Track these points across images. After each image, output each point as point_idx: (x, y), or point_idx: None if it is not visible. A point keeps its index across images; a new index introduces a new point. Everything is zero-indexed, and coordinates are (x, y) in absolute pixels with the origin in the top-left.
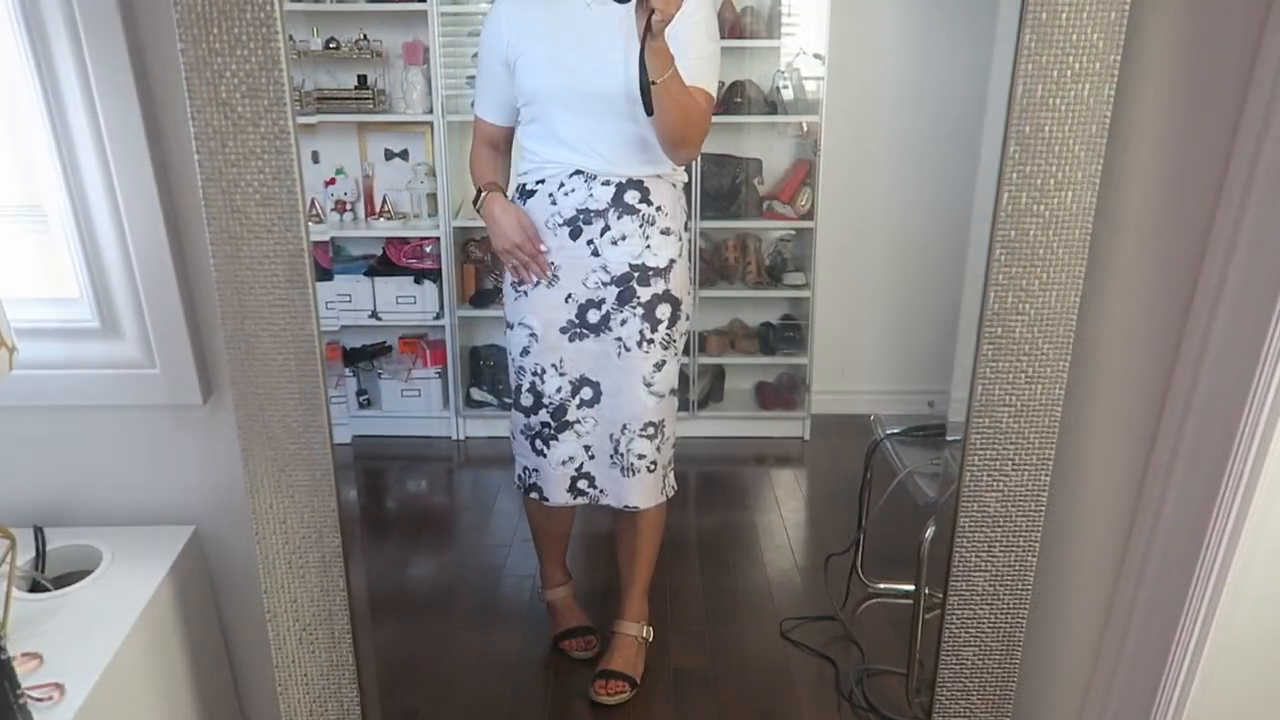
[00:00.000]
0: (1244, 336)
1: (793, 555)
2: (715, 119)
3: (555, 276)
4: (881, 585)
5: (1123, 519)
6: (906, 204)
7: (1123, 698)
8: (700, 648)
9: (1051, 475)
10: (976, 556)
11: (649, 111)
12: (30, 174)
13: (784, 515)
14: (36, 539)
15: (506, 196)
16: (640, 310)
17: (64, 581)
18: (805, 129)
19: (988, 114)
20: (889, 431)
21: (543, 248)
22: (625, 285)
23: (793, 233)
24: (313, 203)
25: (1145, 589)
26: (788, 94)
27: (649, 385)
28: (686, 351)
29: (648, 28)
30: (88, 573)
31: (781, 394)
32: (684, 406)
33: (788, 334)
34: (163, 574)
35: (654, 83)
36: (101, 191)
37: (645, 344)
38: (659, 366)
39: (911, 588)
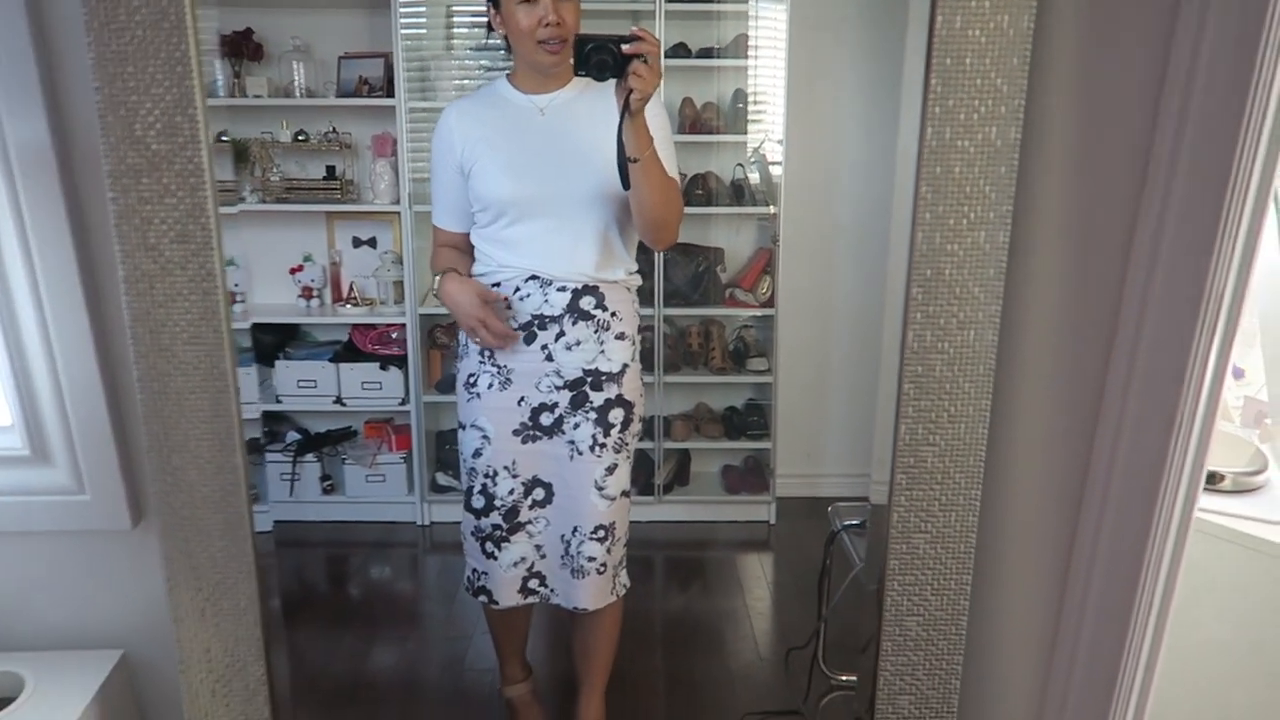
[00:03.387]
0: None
1: (756, 645)
2: None
3: (508, 380)
4: (844, 677)
5: (1049, 602)
6: (865, 288)
7: None
8: None
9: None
10: (901, 679)
11: (626, 186)
12: None
13: (748, 603)
14: None
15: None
16: (593, 415)
17: None
18: (771, 212)
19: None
20: (846, 523)
21: (506, 305)
22: (578, 390)
23: (755, 319)
24: None
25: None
26: (754, 177)
27: (600, 489)
28: (651, 436)
29: (626, 106)
30: (10, 700)
31: (747, 478)
32: (649, 491)
33: (752, 418)
34: (87, 700)
35: (634, 160)
36: (34, 326)
37: (598, 448)
38: (611, 470)
39: None
